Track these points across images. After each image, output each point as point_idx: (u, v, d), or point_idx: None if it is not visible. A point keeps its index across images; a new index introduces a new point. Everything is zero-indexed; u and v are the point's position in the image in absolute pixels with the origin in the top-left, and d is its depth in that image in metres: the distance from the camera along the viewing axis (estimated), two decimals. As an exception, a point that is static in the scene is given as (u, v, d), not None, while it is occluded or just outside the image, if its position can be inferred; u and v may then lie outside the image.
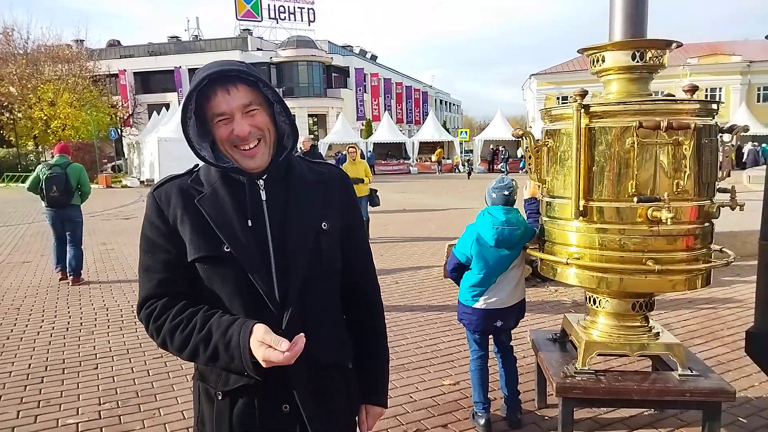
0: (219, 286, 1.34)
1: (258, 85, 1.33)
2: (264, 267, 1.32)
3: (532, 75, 43.66)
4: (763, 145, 27.83)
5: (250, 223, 1.33)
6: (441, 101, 74.88)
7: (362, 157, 13.55)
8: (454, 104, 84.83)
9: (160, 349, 1.41)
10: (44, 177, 6.70)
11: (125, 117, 40.17)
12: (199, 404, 1.44)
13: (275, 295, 1.32)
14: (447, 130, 39.22)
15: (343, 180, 1.53)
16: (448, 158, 34.78)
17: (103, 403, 3.63)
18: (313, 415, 1.34)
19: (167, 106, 33.24)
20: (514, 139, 33.19)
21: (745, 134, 2.76)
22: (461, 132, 38.28)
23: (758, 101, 38.09)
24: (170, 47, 47.54)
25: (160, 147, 24.72)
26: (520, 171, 29.70)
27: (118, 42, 50.54)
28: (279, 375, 1.28)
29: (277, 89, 1.43)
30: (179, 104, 28.88)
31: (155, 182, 1.45)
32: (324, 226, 1.40)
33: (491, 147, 32.46)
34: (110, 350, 4.63)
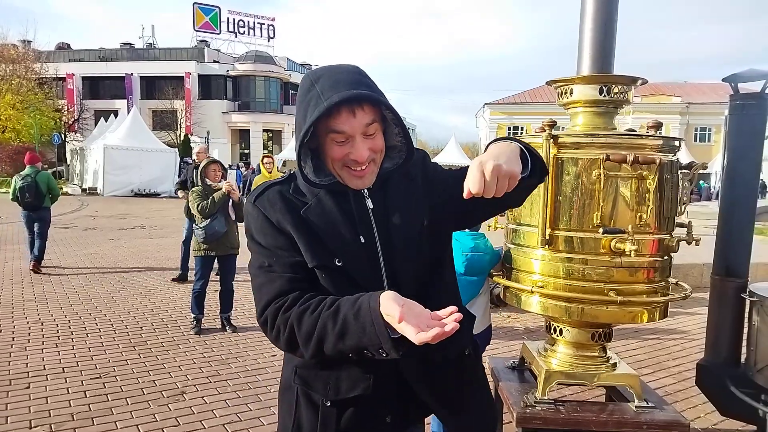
0: (333, 293, 1.30)
1: (380, 105, 1.28)
2: (375, 282, 1.30)
3: (486, 104, 44.84)
4: (701, 182, 29.42)
5: (362, 240, 1.31)
6: (396, 124, 75.63)
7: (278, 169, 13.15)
8: (409, 128, 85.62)
9: (283, 349, 1.32)
10: (18, 186, 7.95)
11: (70, 122, 38.70)
12: (296, 411, 1.39)
13: None
14: (402, 152, 39.52)
15: (422, 160, 1.49)
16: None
17: (34, 427, 3.37)
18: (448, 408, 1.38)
19: (116, 113, 32.20)
20: (465, 165, 33.94)
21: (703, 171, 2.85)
22: (416, 155, 38.62)
23: (695, 141, 40.39)
24: (122, 53, 46.26)
25: (106, 155, 23.87)
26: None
27: (68, 45, 48.84)
28: (391, 379, 1.30)
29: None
30: (128, 112, 28.31)
31: (252, 191, 1.41)
32: (424, 222, 1.38)
33: (445, 172, 32.94)
34: (44, 368, 4.33)
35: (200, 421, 3.52)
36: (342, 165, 1.29)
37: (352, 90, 1.21)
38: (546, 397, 2.68)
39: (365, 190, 1.34)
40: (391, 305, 1.09)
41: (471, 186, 1.15)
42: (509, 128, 42.04)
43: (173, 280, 7.58)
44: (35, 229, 8.09)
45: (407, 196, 1.39)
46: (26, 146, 27.89)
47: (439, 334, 1.03)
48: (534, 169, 1.33)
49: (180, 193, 7.88)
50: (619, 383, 2.76)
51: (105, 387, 3.99)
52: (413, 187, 1.41)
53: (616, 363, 2.81)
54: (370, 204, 1.35)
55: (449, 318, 1.07)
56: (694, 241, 2.69)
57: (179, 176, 25.30)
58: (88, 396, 3.83)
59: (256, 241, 1.34)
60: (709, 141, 40.82)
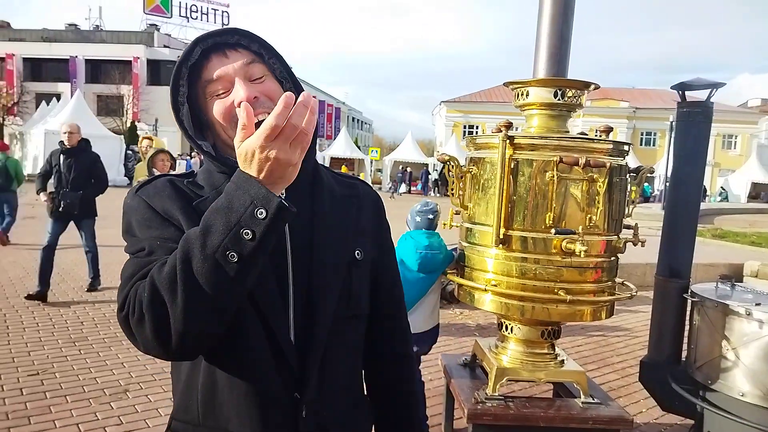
0: None
1: (263, 58, 1.06)
2: (280, 301, 1.02)
3: (443, 102, 45.21)
4: (645, 185, 30.53)
5: None
6: (353, 119, 75.43)
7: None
8: (366, 123, 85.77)
9: (151, 337, 0.89)
10: None
11: (9, 105, 36.78)
12: None
13: (290, 338, 1.02)
14: (358, 147, 39.51)
15: (375, 200, 1.26)
16: (357, 175, 34.92)
17: (-36, 427, 3.23)
18: None
19: (58, 96, 30.78)
20: (421, 161, 34.40)
21: (650, 175, 2.94)
22: (372, 150, 38.72)
23: (641, 144, 41.96)
24: (67, 35, 44.19)
25: (47, 140, 22.73)
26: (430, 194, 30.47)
27: (8, 24, 46.32)
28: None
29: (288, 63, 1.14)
30: (71, 95, 27.05)
31: (134, 185, 1.12)
32: (357, 255, 1.13)
33: (400, 167, 33.08)
34: (-24, 365, 4.15)
35: (144, 420, 3.41)
36: (235, 126, 0.90)
37: (217, 36, 1.03)
38: (497, 394, 2.72)
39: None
40: (247, 141, 0.84)
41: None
42: (465, 127, 42.55)
43: (29, 297, 5.79)
44: (5, 210, 8.96)
45: (343, 213, 1.14)
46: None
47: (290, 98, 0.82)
48: None
49: (42, 195, 6.02)
50: (567, 380, 2.83)
51: (43, 384, 3.81)
52: (355, 210, 1.18)
53: (563, 360, 2.88)
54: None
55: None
56: (639, 243, 2.78)
57: (124, 164, 24.54)
58: (24, 393, 3.65)
59: (136, 237, 1.02)
60: (654, 145, 42.47)
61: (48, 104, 27.97)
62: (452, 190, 2.82)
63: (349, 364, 1.16)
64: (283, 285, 1.03)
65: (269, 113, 0.84)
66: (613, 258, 2.72)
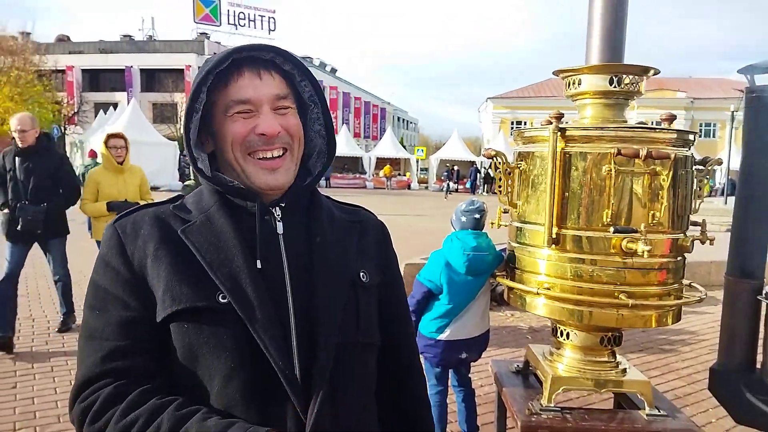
0: (207, 357, 0.91)
1: (294, 78, 1.03)
2: (279, 328, 0.93)
3: (489, 98, 44.61)
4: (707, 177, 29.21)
5: (259, 264, 0.95)
6: (399, 118, 75.46)
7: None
8: (411, 122, 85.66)
9: None
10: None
11: (70, 115, 38.55)
12: None
13: (295, 371, 0.92)
14: (404, 147, 39.46)
15: (381, 228, 1.19)
16: (402, 175, 34.90)
17: (18, 430, 3.24)
18: None
19: (115, 105, 32.11)
20: (468, 159, 33.97)
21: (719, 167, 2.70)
22: (418, 150, 38.57)
23: (701, 136, 40.18)
24: (122, 46, 46.03)
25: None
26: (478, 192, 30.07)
27: (68, 37, 48.63)
28: None
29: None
30: (128, 104, 28.11)
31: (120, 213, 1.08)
32: (362, 277, 1.05)
33: (447, 166, 32.78)
34: (32, 366, 4.19)
35: None
36: (246, 152, 0.98)
37: (253, 51, 0.99)
38: (552, 404, 2.55)
39: (276, 210, 1.01)
40: None
41: None
42: (512, 123, 41.85)
43: None
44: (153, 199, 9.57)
45: (344, 235, 1.08)
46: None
47: None
48: None
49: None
50: (630, 390, 2.63)
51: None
52: (357, 233, 1.11)
53: (626, 368, 2.67)
54: (279, 228, 1.01)
55: None
56: (708, 241, 2.55)
57: (179, 169, 25.28)
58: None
59: (92, 278, 0.98)
60: (713, 137, 40.67)
61: (105, 113, 29.16)
62: (500, 187, 2.66)
63: (360, 399, 1.05)
64: (283, 314, 0.95)
65: (285, 149, 0.99)
66: (679, 258, 2.50)
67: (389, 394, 1.17)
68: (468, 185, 31.89)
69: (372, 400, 1.10)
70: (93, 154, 10.88)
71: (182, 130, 1.02)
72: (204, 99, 0.99)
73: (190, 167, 5.29)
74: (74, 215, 4.98)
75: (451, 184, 30.65)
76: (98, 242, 4.75)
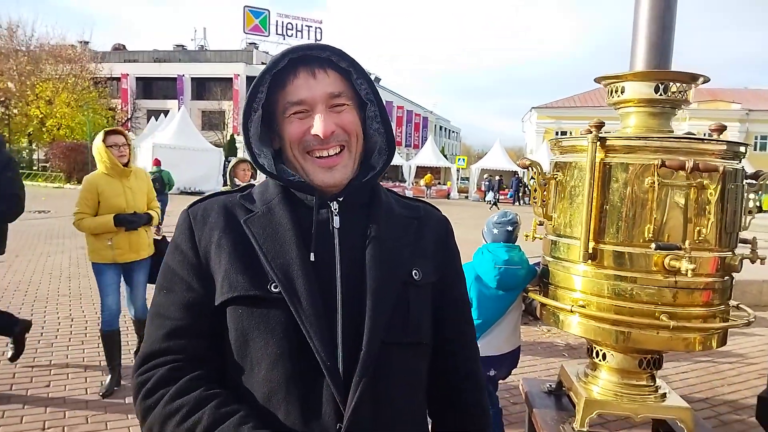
0: (256, 341, 0.95)
1: (350, 75, 1.04)
2: (326, 321, 0.95)
3: (533, 108, 43.97)
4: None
5: (312, 257, 0.98)
6: (441, 128, 75.23)
7: (157, 166, 11.68)
8: (453, 131, 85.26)
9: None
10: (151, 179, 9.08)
11: (123, 121, 40.01)
12: None
13: (338, 364, 0.94)
14: (445, 156, 39.27)
15: (441, 223, 1.18)
16: (443, 184, 34.71)
17: (47, 429, 3.29)
18: None
19: (166, 112, 33.13)
20: (509, 169, 33.49)
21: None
22: (459, 159, 38.27)
23: (755, 149, 38.48)
24: (175, 55, 47.64)
25: (155, 153, 24.39)
26: (516, 203, 29.62)
27: (123, 46, 50.62)
28: None
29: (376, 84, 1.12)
30: (178, 110, 29.01)
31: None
32: (415, 275, 1.05)
33: (486, 176, 32.40)
34: (67, 365, 4.28)
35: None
36: (303, 150, 1.02)
37: (307, 50, 1.01)
38: (585, 429, 2.41)
39: (334, 204, 1.03)
40: None
41: None
42: (556, 133, 41.10)
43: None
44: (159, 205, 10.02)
45: (400, 233, 1.08)
46: (79, 144, 28.87)
47: None
48: None
49: None
50: (669, 416, 2.47)
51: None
52: (414, 231, 1.10)
53: (665, 393, 2.51)
54: (336, 222, 1.02)
55: None
56: (759, 260, 2.38)
57: (224, 174, 25.88)
58: (108, 396, 3.65)
59: (165, 259, 1.06)
60: (769, 150, 38.86)
61: (156, 120, 30.11)
62: (535, 198, 2.55)
63: (403, 397, 1.03)
64: (331, 307, 0.97)
65: (342, 146, 1.02)
66: (726, 277, 2.33)
67: (445, 402, 1.16)
68: (510, 195, 31.42)
69: (419, 402, 1.09)
70: (157, 163, 11.49)
71: (241, 129, 1.06)
72: (263, 98, 1.03)
73: (227, 173, 5.36)
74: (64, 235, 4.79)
75: (491, 193, 30.21)
76: (94, 264, 3.81)
